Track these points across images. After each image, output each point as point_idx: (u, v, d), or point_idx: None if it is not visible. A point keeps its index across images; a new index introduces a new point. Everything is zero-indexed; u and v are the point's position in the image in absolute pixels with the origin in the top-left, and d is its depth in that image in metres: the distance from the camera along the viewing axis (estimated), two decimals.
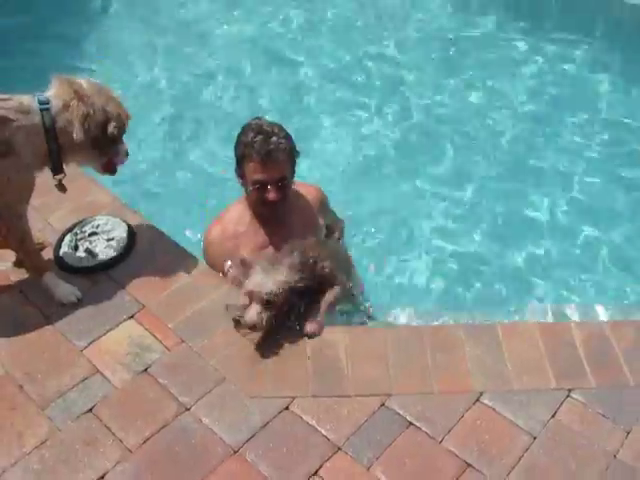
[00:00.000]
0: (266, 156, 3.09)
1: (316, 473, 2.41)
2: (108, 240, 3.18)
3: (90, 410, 2.59)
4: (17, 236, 2.86)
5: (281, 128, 3.21)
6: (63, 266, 3.10)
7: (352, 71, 5.87)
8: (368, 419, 2.57)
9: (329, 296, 2.94)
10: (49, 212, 3.40)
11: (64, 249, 3.16)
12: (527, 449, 2.49)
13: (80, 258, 3.12)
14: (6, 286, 3.06)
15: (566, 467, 2.44)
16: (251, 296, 2.72)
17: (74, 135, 2.69)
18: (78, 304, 2.95)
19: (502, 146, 5.03)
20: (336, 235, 3.66)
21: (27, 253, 2.95)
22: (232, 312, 2.85)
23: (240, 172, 3.22)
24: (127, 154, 3.01)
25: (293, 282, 2.75)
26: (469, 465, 2.44)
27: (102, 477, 2.38)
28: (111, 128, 2.75)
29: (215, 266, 3.24)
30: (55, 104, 2.68)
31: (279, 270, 2.76)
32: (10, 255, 3.12)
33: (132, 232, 3.25)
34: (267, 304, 2.70)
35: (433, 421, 2.56)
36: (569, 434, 2.54)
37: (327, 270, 2.93)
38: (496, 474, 2.41)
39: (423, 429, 2.54)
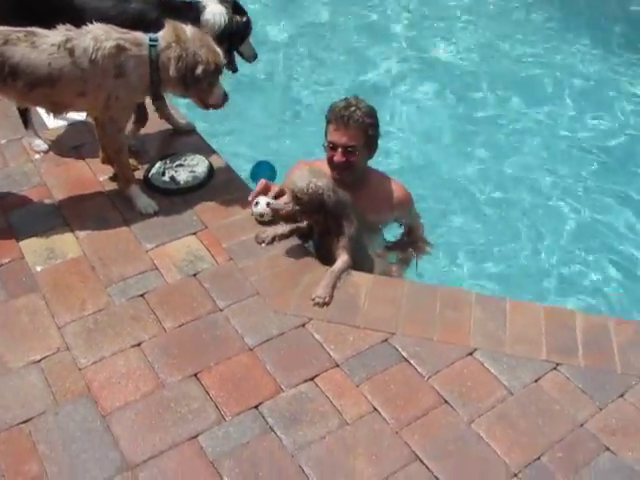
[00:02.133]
0: (340, 120, 3.50)
1: (312, 379, 2.79)
2: (190, 172, 3.71)
3: (142, 295, 3.11)
4: (115, 147, 3.46)
5: (368, 106, 3.58)
6: (149, 185, 3.66)
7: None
8: (369, 348, 2.93)
9: (335, 267, 3.24)
10: (149, 142, 4.02)
11: (152, 172, 3.72)
12: (503, 401, 2.76)
13: (164, 181, 3.67)
14: (99, 192, 3.67)
15: (533, 422, 2.69)
16: (287, 188, 3.19)
17: (170, 71, 3.24)
18: (154, 215, 3.49)
19: None
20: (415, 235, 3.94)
21: (120, 164, 3.53)
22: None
23: (325, 133, 3.65)
24: (226, 97, 3.52)
25: (324, 192, 3.16)
26: (446, 402, 2.75)
27: (138, 344, 2.89)
28: (198, 70, 3.26)
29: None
30: (161, 43, 3.24)
31: (319, 176, 3.20)
32: (109, 171, 3.72)
33: (212, 170, 3.78)
34: (297, 199, 3.14)
35: (425, 361, 2.89)
36: (545, 398, 2.79)
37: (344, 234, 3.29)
38: (467, 413, 2.70)
39: (414, 365, 2.87)
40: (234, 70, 4.08)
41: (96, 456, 2.51)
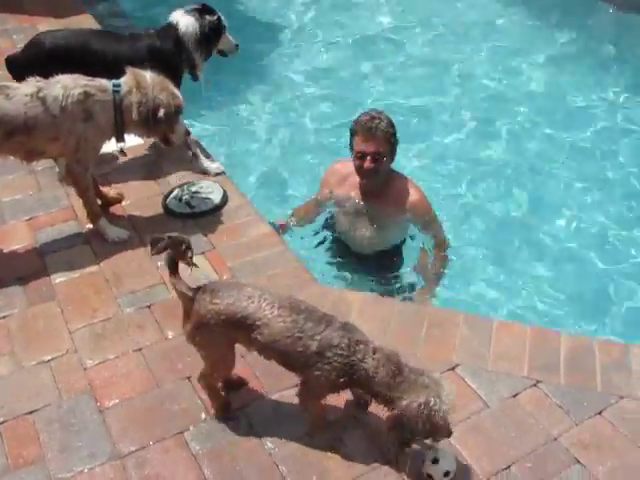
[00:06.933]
0: (367, 131, 3.81)
1: None
2: (205, 199, 4.00)
3: (149, 306, 3.37)
4: (82, 186, 3.70)
5: (387, 117, 3.89)
6: (166, 210, 3.96)
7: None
8: None
9: None
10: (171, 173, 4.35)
11: (170, 197, 4.03)
12: (478, 413, 2.89)
13: (180, 206, 3.97)
14: (121, 216, 3.97)
15: (506, 433, 2.81)
16: None
17: (132, 115, 3.52)
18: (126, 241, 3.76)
19: None
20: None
21: (87, 201, 3.76)
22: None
23: (350, 145, 3.94)
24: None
25: None
26: None
27: (139, 349, 3.14)
28: (160, 113, 3.53)
29: (321, 187, 4.21)
30: (123, 88, 3.52)
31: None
32: (130, 197, 4.03)
33: (225, 197, 4.05)
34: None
35: None
36: (521, 412, 2.89)
37: None
38: None
39: None
40: (195, 78, 4.31)
41: (90, 445, 2.75)
